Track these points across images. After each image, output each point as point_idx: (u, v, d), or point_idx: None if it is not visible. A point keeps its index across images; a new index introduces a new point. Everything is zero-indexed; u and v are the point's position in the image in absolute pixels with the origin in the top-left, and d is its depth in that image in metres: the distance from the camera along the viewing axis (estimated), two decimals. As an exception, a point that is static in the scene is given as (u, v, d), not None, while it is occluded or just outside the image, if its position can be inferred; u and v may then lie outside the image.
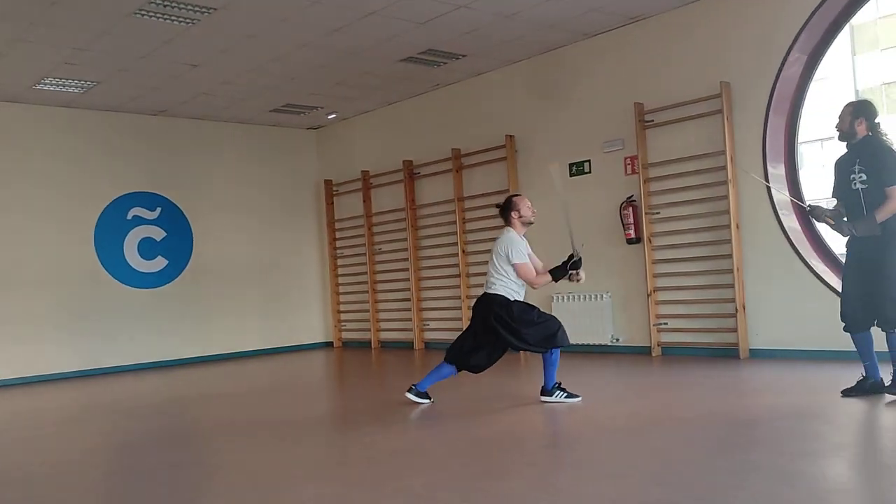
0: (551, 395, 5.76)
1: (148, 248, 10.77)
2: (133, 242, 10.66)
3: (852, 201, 5.18)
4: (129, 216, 10.66)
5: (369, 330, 11.57)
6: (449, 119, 10.39)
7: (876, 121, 5.18)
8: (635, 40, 8.30)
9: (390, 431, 5.18)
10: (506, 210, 5.93)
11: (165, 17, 7.26)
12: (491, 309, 5.75)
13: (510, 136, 9.53)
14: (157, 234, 10.87)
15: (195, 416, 6.70)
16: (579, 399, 5.74)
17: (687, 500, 3.28)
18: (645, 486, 3.53)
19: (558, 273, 5.85)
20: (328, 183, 12.28)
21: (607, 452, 4.29)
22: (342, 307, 12.23)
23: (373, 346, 11.48)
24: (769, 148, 7.33)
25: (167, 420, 6.45)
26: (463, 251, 10.09)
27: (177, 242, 11.03)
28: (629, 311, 8.46)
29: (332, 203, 12.30)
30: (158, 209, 10.90)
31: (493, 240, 9.54)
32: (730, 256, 7.53)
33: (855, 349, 5.29)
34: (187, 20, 7.39)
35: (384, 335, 11.47)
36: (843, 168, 5.31)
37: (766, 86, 7.27)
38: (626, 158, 8.42)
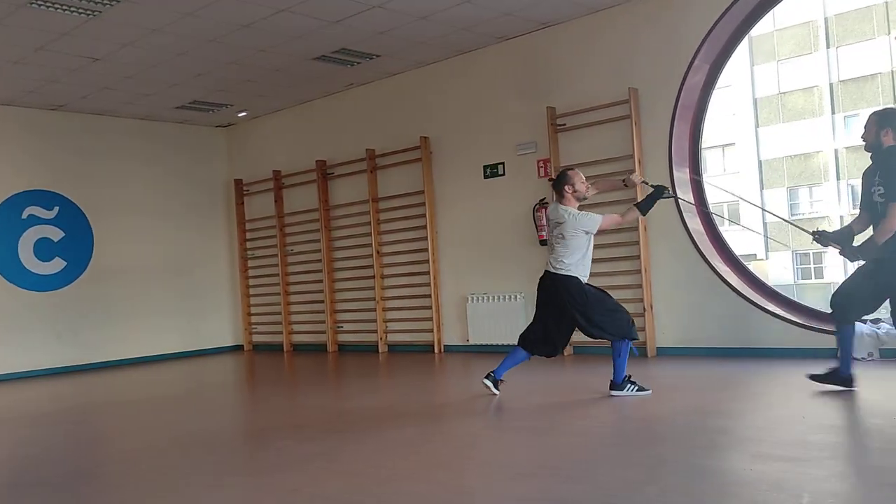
0: (622, 389, 5.59)
1: (45, 249, 10.26)
2: (28, 243, 10.13)
3: (874, 213, 5.03)
4: (24, 215, 10.12)
5: (281, 333, 11.36)
6: (363, 119, 10.32)
7: None
8: (547, 45, 8.44)
9: (303, 437, 5.09)
10: (559, 184, 5.71)
11: (65, 8, 6.94)
12: (563, 293, 5.61)
13: (425, 137, 9.53)
14: (55, 234, 10.37)
15: (96, 424, 6.42)
16: (649, 392, 5.56)
17: (597, 496, 3.34)
18: (555, 483, 3.57)
19: (647, 203, 5.67)
20: (238, 182, 12.01)
21: (517, 451, 4.32)
22: (253, 310, 11.96)
23: (285, 349, 11.27)
24: (674, 153, 7.57)
25: (65, 429, 6.14)
26: (378, 252, 10.03)
27: (76, 243, 10.55)
28: (541, 311, 8.57)
29: (243, 203, 12.02)
30: (56, 208, 10.40)
31: (409, 241, 9.67)
32: (638, 257, 7.73)
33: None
34: (88, 12, 7.08)
35: (297, 338, 11.29)
36: (867, 179, 5.13)
37: (672, 93, 7.50)
38: (538, 161, 8.54)
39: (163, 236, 11.34)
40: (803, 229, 5.23)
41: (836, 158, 27.86)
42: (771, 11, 7.82)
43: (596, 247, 7.92)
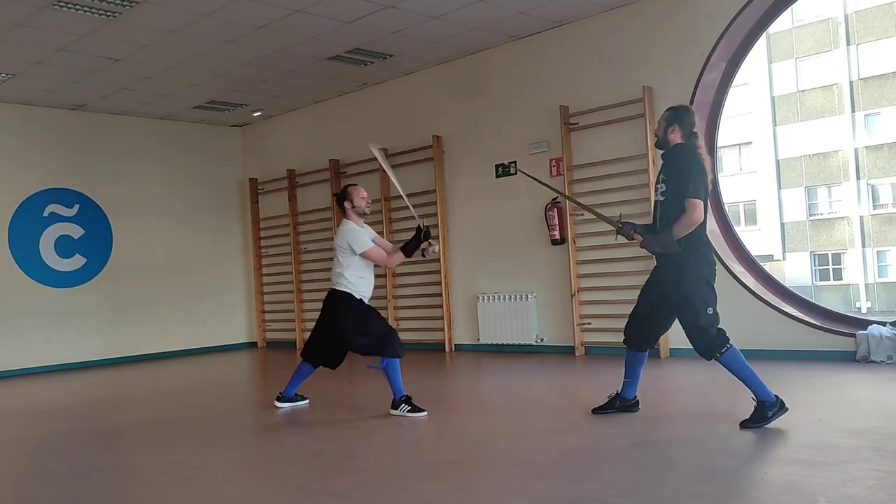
0: (397, 409, 5.47)
1: (65, 246, 10.39)
2: (49, 240, 10.27)
3: (654, 214, 4.85)
4: (46, 213, 10.27)
5: (294, 330, 11.42)
6: (376, 118, 10.35)
7: (693, 130, 4.72)
8: (561, 44, 8.43)
9: (314, 432, 5.12)
10: (339, 201, 5.73)
11: (85, 9, 7.03)
12: (335, 307, 5.62)
13: (437, 136, 9.55)
14: (75, 231, 10.50)
15: (114, 418, 6.47)
16: (425, 414, 5.40)
17: (609, 497, 3.34)
18: (567, 484, 3.58)
19: (410, 247, 5.61)
20: (253, 181, 12.08)
21: (530, 451, 4.32)
22: (266, 307, 12.04)
23: (298, 346, 11.31)
24: (689, 152, 7.52)
25: (85, 422, 6.20)
26: (391, 251, 10.04)
27: (95, 240, 10.68)
28: (553, 311, 8.58)
29: (257, 202, 12.10)
30: (76, 206, 10.53)
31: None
32: (650, 257, 7.69)
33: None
34: (108, 13, 7.16)
35: (309, 335, 11.30)
36: (657, 179, 4.87)
37: (687, 91, 7.46)
38: (551, 160, 8.53)
39: (179, 234, 11.45)
40: (605, 219, 4.90)
41: (857, 157, 27.56)
42: (789, 8, 7.76)
43: (605, 247, 8.01)
